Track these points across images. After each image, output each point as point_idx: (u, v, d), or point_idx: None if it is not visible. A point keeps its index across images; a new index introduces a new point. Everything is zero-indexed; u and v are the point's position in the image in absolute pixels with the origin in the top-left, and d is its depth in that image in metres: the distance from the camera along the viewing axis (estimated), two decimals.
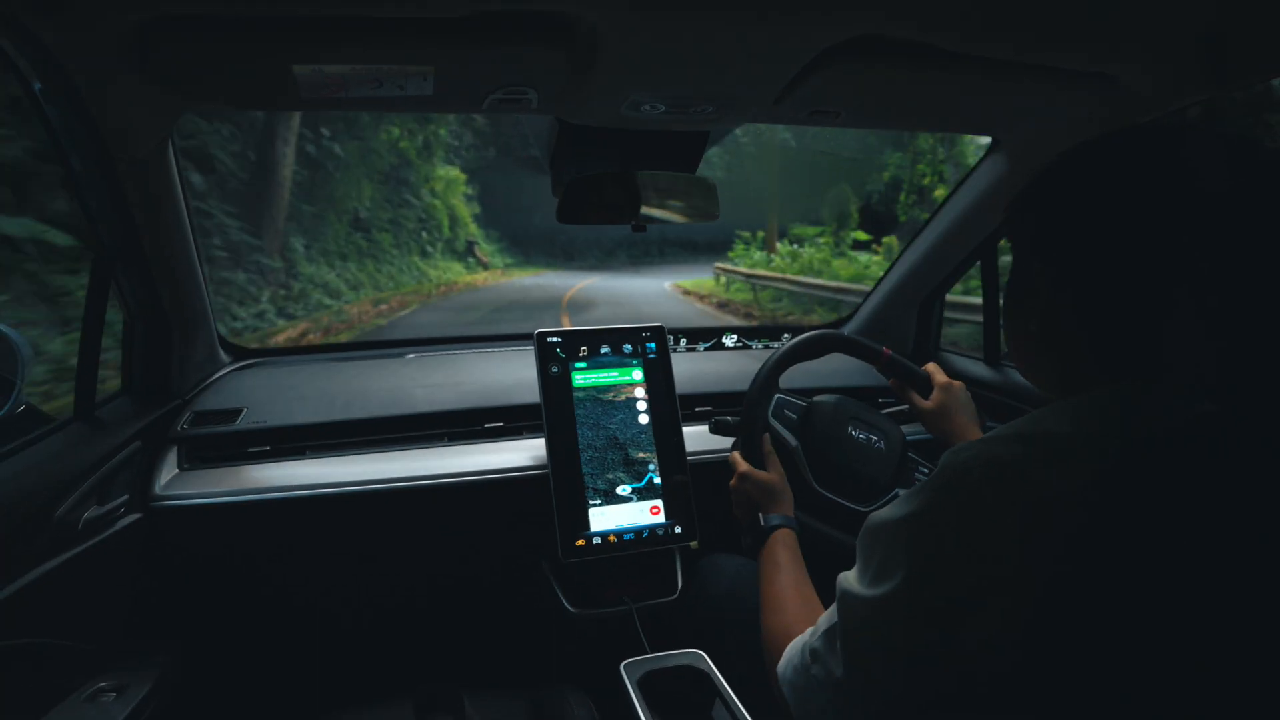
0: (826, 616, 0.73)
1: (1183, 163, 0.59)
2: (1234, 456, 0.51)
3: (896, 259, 1.91)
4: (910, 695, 0.62)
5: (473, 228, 16.94)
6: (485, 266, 17.05)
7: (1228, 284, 0.54)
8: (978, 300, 1.80)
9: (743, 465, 1.22)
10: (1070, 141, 0.66)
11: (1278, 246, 0.53)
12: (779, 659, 0.82)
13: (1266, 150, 0.57)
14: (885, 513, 0.67)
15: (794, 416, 1.30)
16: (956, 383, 1.28)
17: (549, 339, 1.48)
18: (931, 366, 1.31)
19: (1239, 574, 0.49)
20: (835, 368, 1.82)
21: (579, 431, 1.45)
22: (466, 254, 16.44)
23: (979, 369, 1.77)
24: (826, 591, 0.86)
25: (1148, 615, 0.49)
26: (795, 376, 1.39)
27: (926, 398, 1.29)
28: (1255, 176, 0.55)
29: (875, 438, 1.30)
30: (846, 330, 1.99)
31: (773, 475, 1.19)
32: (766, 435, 1.26)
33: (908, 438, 1.34)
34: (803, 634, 0.79)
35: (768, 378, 1.29)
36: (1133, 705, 0.50)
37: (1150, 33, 0.96)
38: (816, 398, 1.34)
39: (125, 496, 1.25)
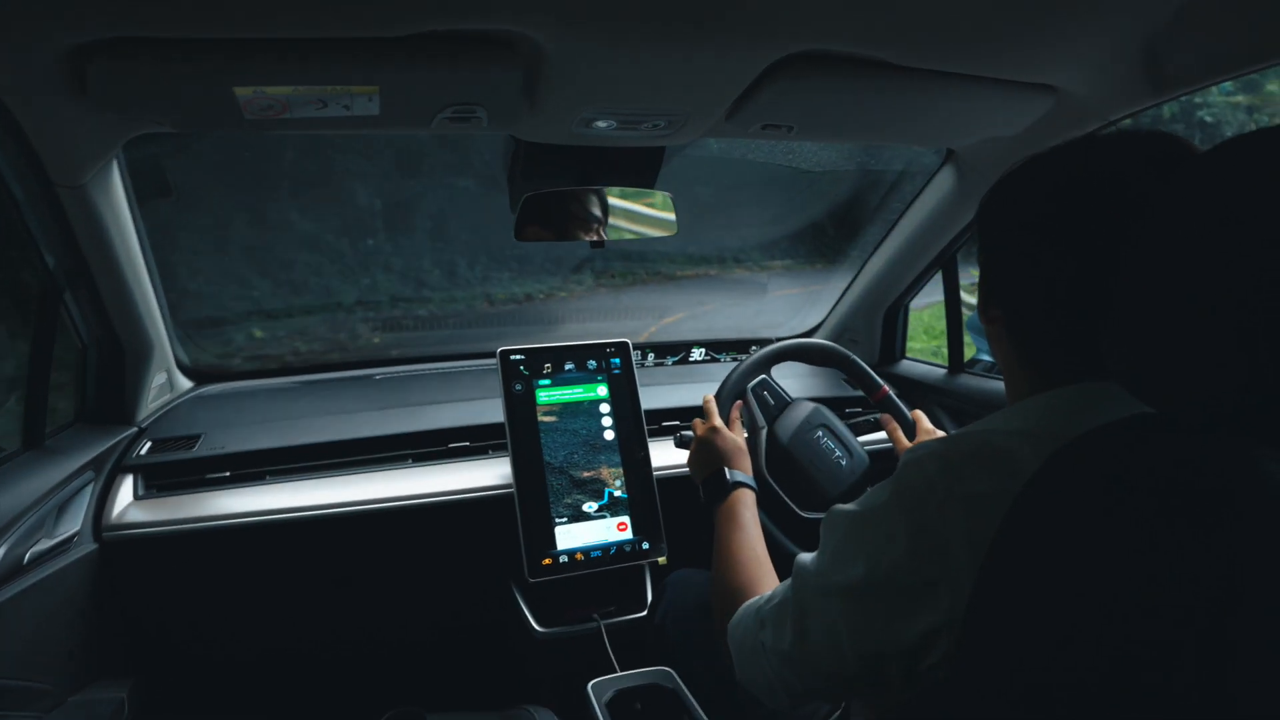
0: (782, 589, 0.76)
1: (1115, 167, 0.62)
2: (1164, 454, 0.52)
3: (861, 268, 1.93)
4: (852, 675, 0.66)
5: None
6: None
7: (1162, 284, 0.55)
8: None
9: (716, 419, 1.22)
10: (1021, 151, 0.68)
11: (1208, 246, 0.53)
12: (728, 614, 0.85)
13: (1195, 153, 0.59)
14: (847, 504, 0.70)
15: (771, 401, 1.33)
16: (939, 433, 1.29)
17: (512, 356, 1.47)
18: (918, 414, 1.32)
19: (1163, 575, 0.49)
20: (812, 381, 1.84)
21: (544, 449, 1.44)
22: None
23: (940, 376, 1.79)
24: None
25: (1073, 612, 0.49)
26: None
27: (910, 440, 1.30)
28: (1184, 177, 0.56)
29: (841, 453, 1.30)
30: (817, 336, 2.03)
31: (739, 438, 1.21)
32: (739, 404, 1.29)
33: (869, 448, 1.34)
34: (757, 597, 0.82)
35: (767, 356, 1.32)
36: (1055, 703, 0.49)
37: (1087, 44, 0.98)
38: (799, 397, 1.36)
39: (77, 528, 1.21)
